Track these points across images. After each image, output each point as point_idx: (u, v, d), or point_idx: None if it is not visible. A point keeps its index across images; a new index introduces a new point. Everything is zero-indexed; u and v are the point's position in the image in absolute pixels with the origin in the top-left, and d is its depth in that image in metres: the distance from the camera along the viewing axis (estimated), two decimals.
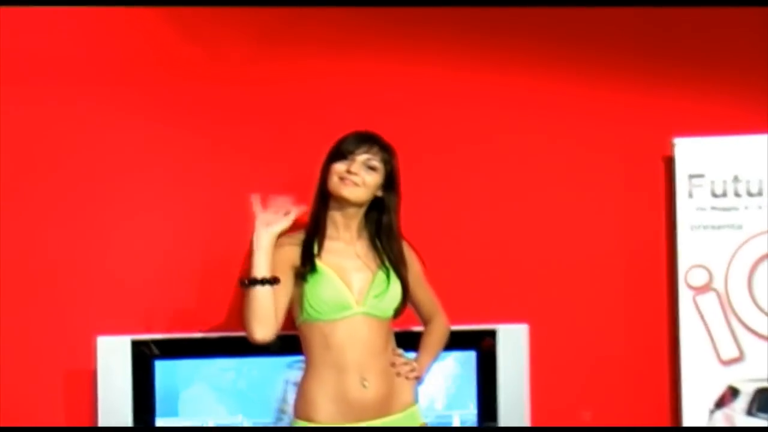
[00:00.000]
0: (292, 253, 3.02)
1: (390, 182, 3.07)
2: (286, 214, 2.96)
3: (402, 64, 3.73)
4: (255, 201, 2.95)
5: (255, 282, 2.89)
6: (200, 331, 3.49)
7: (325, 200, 3.05)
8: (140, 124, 3.56)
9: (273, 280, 2.90)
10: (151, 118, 3.56)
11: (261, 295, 2.88)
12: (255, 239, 2.92)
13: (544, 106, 3.85)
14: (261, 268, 2.90)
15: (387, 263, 3.06)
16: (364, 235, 3.09)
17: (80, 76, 3.53)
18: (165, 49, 3.59)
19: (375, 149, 3.04)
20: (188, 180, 3.60)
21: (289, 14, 3.63)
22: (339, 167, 3.00)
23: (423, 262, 3.19)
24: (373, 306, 3.02)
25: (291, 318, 3.06)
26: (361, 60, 3.71)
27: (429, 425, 3.16)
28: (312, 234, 3.03)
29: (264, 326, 2.88)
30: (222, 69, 3.62)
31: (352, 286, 3.01)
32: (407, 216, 3.16)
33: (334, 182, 2.99)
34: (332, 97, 3.67)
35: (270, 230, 2.92)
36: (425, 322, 3.23)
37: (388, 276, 3.05)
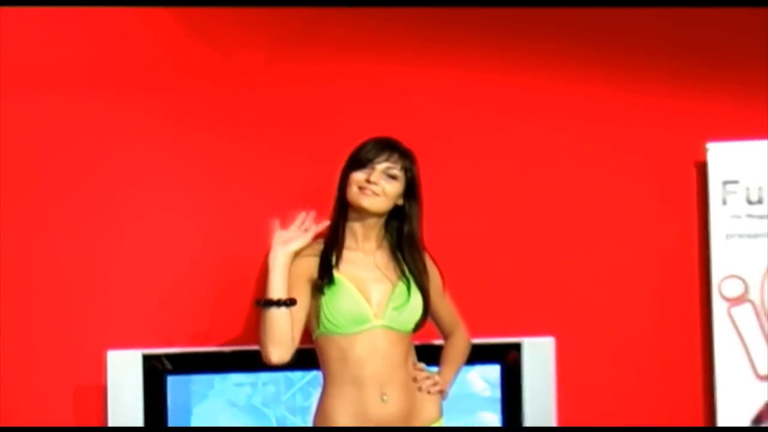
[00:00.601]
0: (310, 264, 3.00)
1: (411, 190, 3.05)
2: (306, 230, 2.97)
3: (423, 66, 3.70)
4: (275, 222, 2.96)
5: (271, 304, 2.89)
6: (214, 344, 3.47)
7: (343, 210, 3.04)
8: (153, 132, 3.53)
9: (289, 302, 2.89)
10: (165, 125, 3.53)
11: (277, 317, 2.88)
12: (270, 258, 2.92)
13: (572, 109, 3.83)
14: (277, 289, 2.90)
15: (408, 274, 3.04)
16: (385, 245, 3.07)
17: (87, 81, 3.51)
18: (177, 51, 3.55)
19: (395, 157, 3.02)
20: (201, 190, 3.57)
21: (305, 16, 3.61)
22: (358, 176, 2.98)
23: (443, 275, 3.17)
24: (393, 319, 2.99)
25: (308, 332, 3.04)
26: (379, 62, 3.68)
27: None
28: (330, 245, 3.02)
29: (280, 348, 2.87)
30: (235, 72, 3.58)
31: (370, 298, 2.99)
32: (427, 225, 3.14)
33: (353, 192, 2.98)
34: (351, 101, 3.64)
35: (286, 249, 2.92)
36: (446, 335, 3.22)
37: (408, 288, 3.03)
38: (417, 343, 3.12)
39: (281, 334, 2.87)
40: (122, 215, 3.51)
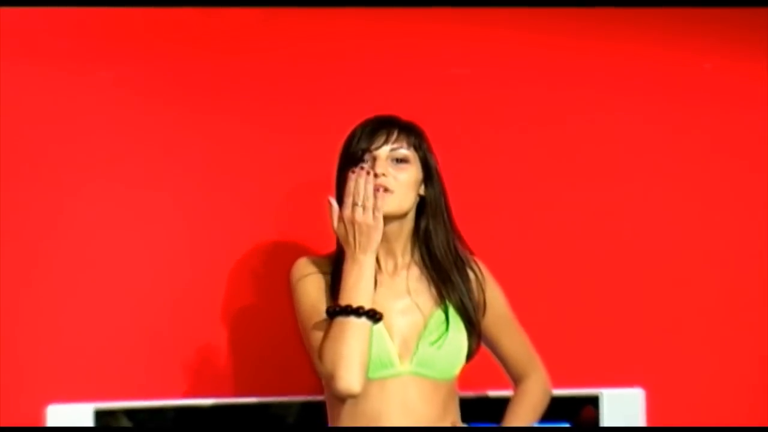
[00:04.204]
0: (326, 284, 2.85)
1: (428, 172, 2.85)
2: (375, 212, 2.75)
3: (461, 24, 3.45)
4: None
5: (360, 313, 2.69)
6: (187, 396, 3.24)
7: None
8: (118, 122, 3.30)
9: (379, 316, 2.73)
10: (134, 107, 3.30)
11: (364, 331, 2.70)
12: (359, 258, 2.73)
13: (672, 85, 3.56)
14: (366, 297, 2.72)
15: (445, 293, 2.83)
16: (417, 258, 2.87)
17: (44, 47, 3.29)
18: (151, 12, 3.34)
19: (395, 134, 2.82)
20: (174, 195, 3.34)
21: None
22: None
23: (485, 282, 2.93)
24: (425, 362, 2.77)
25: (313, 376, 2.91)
26: (403, 20, 3.43)
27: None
28: (341, 270, 2.83)
29: (363, 374, 2.69)
30: (224, 36, 3.38)
31: (393, 334, 2.78)
32: (474, 242, 2.93)
33: None
34: (369, 68, 3.43)
35: (374, 246, 2.74)
36: (515, 380, 3.00)
37: (447, 316, 2.80)
38: (468, 394, 2.96)
39: (365, 355, 2.69)
40: (68, 231, 3.28)
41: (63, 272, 3.29)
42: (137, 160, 3.36)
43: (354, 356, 2.67)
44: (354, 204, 2.68)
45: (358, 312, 2.68)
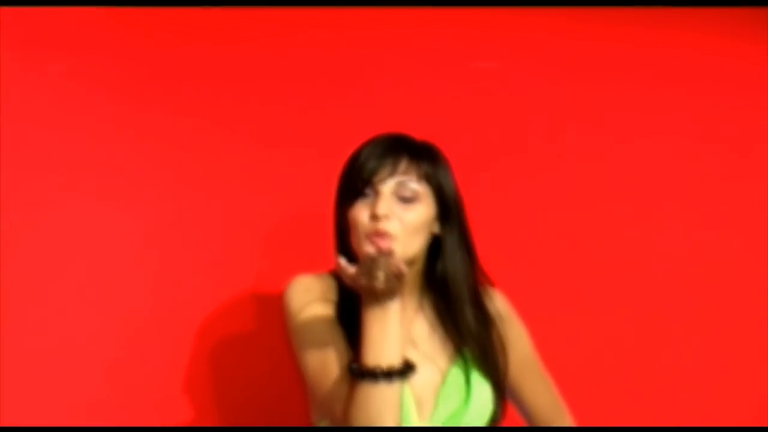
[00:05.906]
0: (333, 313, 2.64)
1: (445, 207, 2.61)
2: (397, 273, 2.49)
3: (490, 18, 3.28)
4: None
5: (388, 375, 2.47)
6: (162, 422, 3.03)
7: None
8: (80, 118, 3.11)
9: (410, 368, 2.52)
10: (102, 108, 3.10)
11: (398, 394, 2.48)
12: (386, 305, 2.49)
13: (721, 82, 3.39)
14: (393, 352, 2.48)
15: (462, 343, 2.61)
16: (427, 302, 2.68)
17: None
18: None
19: (404, 163, 2.58)
20: (141, 200, 3.13)
21: None
22: (359, 217, 2.57)
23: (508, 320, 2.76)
24: (444, 423, 2.59)
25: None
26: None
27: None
28: (349, 295, 2.63)
29: None
30: (211, 27, 3.20)
31: (411, 391, 2.58)
32: (505, 274, 2.75)
33: (361, 243, 2.59)
34: (379, 64, 3.28)
35: (394, 295, 2.49)
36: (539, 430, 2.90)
37: (467, 371, 2.61)
38: None
39: (397, 417, 2.47)
40: (32, 249, 3.08)
41: (25, 291, 3.05)
42: (112, 172, 3.12)
43: (386, 424, 2.49)
44: (371, 276, 2.42)
45: (390, 375, 2.45)
